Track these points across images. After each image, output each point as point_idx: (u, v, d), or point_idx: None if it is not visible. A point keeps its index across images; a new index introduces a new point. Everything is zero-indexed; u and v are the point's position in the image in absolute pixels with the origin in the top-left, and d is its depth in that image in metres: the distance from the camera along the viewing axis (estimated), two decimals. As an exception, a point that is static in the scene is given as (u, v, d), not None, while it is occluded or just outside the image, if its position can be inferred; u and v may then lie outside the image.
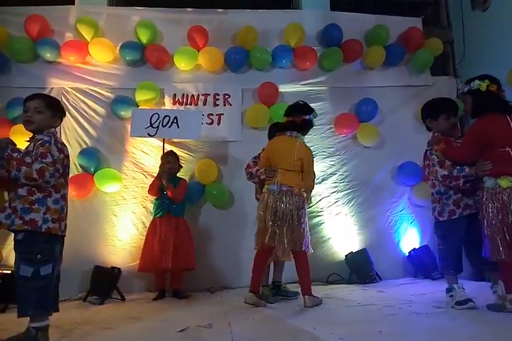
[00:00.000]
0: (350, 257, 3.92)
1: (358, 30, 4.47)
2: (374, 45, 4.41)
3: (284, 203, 2.77)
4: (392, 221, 4.16)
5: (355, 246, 4.02)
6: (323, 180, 4.16)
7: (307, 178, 2.95)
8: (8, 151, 2.08)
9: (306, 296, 2.79)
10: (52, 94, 3.96)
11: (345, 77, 4.43)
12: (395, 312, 2.50)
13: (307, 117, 3.01)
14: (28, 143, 2.23)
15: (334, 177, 4.19)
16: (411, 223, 4.18)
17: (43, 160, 2.09)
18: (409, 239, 4.13)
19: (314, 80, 4.39)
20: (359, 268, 3.86)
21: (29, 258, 2.06)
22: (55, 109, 2.31)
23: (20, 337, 2.07)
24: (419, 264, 3.97)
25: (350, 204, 4.15)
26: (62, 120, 2.39)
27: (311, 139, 4.20)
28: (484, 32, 4.38)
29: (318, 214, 4.09)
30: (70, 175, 3.74)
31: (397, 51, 4.43)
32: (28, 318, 2.08)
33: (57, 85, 4.06)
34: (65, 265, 3.53)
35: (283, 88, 4.29)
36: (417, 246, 4.07)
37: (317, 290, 3.38)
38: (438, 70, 4.68)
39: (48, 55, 4.03)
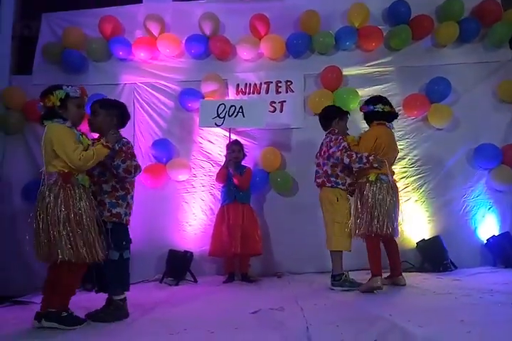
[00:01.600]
0: (423, 244, 3.76)
1: (427, 5, 4.21)
2: (446, 20, 4.12)
3: (390, 194, 2.92)
4: (468, 207, 3.90)
5: (427, 234, 3.84)
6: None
7: None
8: (120, 145, 2.41)
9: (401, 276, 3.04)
10: (125, 90, 4.31)
11: (414, 56, 4.20)
12: (475, 302, 2.38)
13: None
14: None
15: (403, 162, 4.01)
16: (489, 209, 3.88)
17: (134, 159, 2.48)
18: (488, 225, 3.85)
19: (380, 61, 4.22)
20: (432, 256, 3.69)
21: (116, 244, 2.39)
22: (108, 108, 2.51)
23: (112, 308, 2.37)
24: (499, 252, 3.69)
25: (421, 190, 3.95)
26: (122, 116, 2.57)
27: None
28: None
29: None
30: (145, 166, 4.08)
31: (471, 26, 4.11)
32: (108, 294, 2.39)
33: (129, 81, 4.33)
34: (143, 249, 3.88)
35: (347, 71, 4.19)
36: (496, 233, 3.79)
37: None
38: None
39: (121, 53, 4.30)
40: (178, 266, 3.65)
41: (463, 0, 4.09)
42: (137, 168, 2.48)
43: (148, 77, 4.33)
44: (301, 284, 3.32)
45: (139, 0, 4.60)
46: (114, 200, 2.43)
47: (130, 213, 2.52)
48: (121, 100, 4.17)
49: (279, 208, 3.99)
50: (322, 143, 3.23)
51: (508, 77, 4.01)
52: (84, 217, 2.20)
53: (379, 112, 3.06)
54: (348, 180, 3.13)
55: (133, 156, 2.48)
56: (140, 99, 4.30)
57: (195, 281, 3.62)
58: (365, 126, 3.93)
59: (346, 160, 2.99)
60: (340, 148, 3.03)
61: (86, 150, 2.25)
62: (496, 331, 1.83)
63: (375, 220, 2.87)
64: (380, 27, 4.18)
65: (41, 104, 2.28)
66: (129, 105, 4.17)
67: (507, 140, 3.94)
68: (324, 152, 3.16)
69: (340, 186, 3.10)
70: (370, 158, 2.93)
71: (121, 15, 4.38)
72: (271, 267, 3.85)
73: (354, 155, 2.96)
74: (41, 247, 2.15)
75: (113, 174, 2.42)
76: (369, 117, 3.14)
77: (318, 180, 3.18)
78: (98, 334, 2.12)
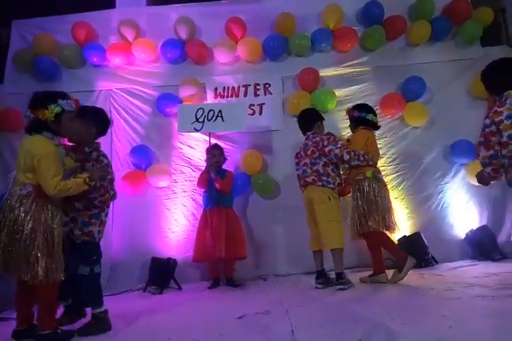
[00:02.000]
0: (404, 241, 3.80)
1: (400, 5, 4.28)
2: (418, 19, 4.19)
3: (387, 190, 3.24)
4: (446, 202, 3.98)
5: (408, 230, 3.90)
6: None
7: None
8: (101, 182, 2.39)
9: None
10: (101, 97, 4.24)
11: (389, 56, 4.26)
12: (456, 296, 2.42)
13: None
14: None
15: (382, 161, 4.03)
16: (467, 203, 3.97)
17: (112, 188, 2.53)
18: (466, 220, 3.93)
19: (356, 61, 4.26)
20: (413, 252, 3.67)
21: (87, 260, 2.39)
22: (85, 115, 2.47)
23: (94, 321, 2.35)
24: (478, 245, 3.78)
25: (400, 188, 4.01)
26: (103, 124, 2.55)
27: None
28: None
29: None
30: (124, 173, 4.02)
31: (443, 25, 4.19)
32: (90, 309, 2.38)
33: (104, 87, 4.27)
34: (125, 258, 3.83)
35: (324, 72, 4.22)
36: (474, 227, 3.87)
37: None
38: (490, 40, 4.35)
39: (95, 59, 4.24)
40: (161, 273, 3.60)
41: (433, -1, 4.18)
42: (114, 196, 2.52)
43: (124, 82, 4.28)
44: (286, 286, 3.33)
45: (112, 5, 4.54)
46: (86, 219, 2.38)
47: (103, 230, 2.49)
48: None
49: (262, 211, 3.99)
50: (307, 144, 3.24)
51: (479, 74, 4.08)
52: (54, 234, 2.12)
53: (368, 121, 3.29)
54: (338, 180, 3.20)
55: (112, 184, 2.48)
56: (116, 106, 4.24)
57: (180, 288, 3.58)
58: (343, 126, 4.00)
59: (346, 157, 3.10)
60: (338, 145, 3.13)
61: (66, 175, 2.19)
62: (477, 325, 1.87)
63: (379, 216, 3.07)
64: (354, 28, 4.23)
65: (30, 114, 2.16)
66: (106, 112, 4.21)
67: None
68: (313, 151, 3.17)
69: (331, 185, 3.14)
70: (366, 156, 3.12)
71: (94, 20, 4.31)
72: (256, 270, 3.85)
73: (352, 153, 3.10)
74: (6, 259, 2.06)
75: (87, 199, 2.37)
76: (357, 123, 3.33)
77: (307, 179, 3.17)
78: None
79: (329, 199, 3.10)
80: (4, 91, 4.14)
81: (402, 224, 3.93)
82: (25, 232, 2.05)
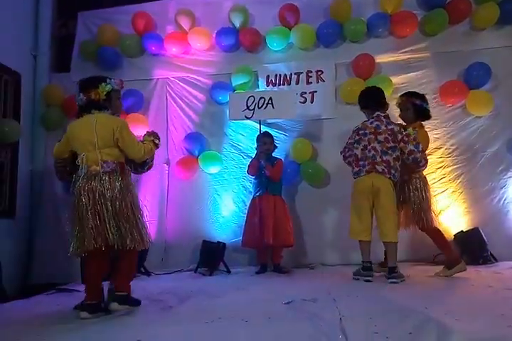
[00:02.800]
0: (461, 236, 3.63)
1: (465, -13, 4.00)
2: (485, 2, 3.90)
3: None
4: (509, 197, 3.73)
5: (466, 225, 3.71)
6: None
7: None
8: None
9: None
10: (158, 85, 4.41)
11: (451, 41, 4.01)
12: None
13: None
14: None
15: (440, 152, 3.88)
16: (532, 199, 3.71)
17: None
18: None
19: (415, 47, 4.06)
20: (471, 248, 3.56)
21: None
22: None
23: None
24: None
25: (459, 181, 3.81)
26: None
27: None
28: None
29: (422, 191, 3.85)
30: (177, 158, 4.18)
31: (512, 6, 3.87)
32: None
33: (161, 76, 4.40)
34: (177, 240, 4.01)
35: (380, 59, 4.07)
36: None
37: (423, 271, 3.28)
38: None
39: (153, 48, 4.38)
40: (211, 256, 3.72)
41: (503, -21, 3.88)
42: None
43: (180, 71, 4.39)
44: (333, 276, 3.30)
45: (170, -6, 4.65)
46: None
47: None
48: (155, 95, 4.38)
49: (311, 199, 3.97)
50: (379, 126, 3.02)
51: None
52: (139, 204, 2.33)
53: (426, 111, 3.21)
54: (398, 177, 3.10)
55: None
56: (172, 94, 4.38)
57: (229, 272, 3.68)
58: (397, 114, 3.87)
59: (422, 163, 3.08)
60: (420, 149, 3.03)
61: None
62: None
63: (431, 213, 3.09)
64: (414, 12, 4.03)
65: (83, 97, 2.31)
66: (162, 99, 4.38)
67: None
68: (387, 140, 2.99)
69: (395, 180, 3.05)
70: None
71: (153, 11, 4.45)
72: (303, 258, 3.86)
73: (425, 160, 3.13)
74: (109, 234, 2.18)
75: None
76: (417, 113, 3.21)
77: (377, 167, 2.98)
78: (136, 321, 2.19)
79: (393, 192, 3.04)
80: (71, 79, 4.40)
81: (459, 219, 3.77)
82: (124, 205, 2.22)
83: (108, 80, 2.35)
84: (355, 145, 3.11)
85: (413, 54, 4.06)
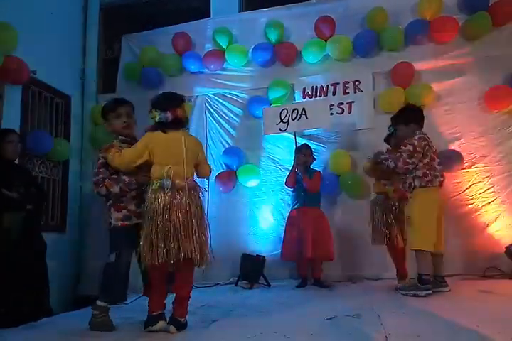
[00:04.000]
0: (513, 249, 3.43)
1: (509, -12, 3.85)
2: (530, 2, 3.74)
3: None
4: None
5: (518, 238, 3.50)
6: (473, 164, 3.73)
7: None
8: None
9: None
10: (198, 101, 4.54)
11: (495, 45, 3.85)
12: None
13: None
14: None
15: (487, 160, 3.70)
16: None
17: None
18: None
19: (457, 52, 3.94)
20: (522, 262, 3.36)
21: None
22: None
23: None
24: None
25: (508, 190, 3.60)
26: None
27: (455, 118, 3.86)
28: None
29: (469, 202, 3.67)
30: (217, 172, 4.25)
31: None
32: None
33: (201, 93, 4.54)
34: (217, 253, 4.03)
35: (420, 66, 3.98)
36: None
37: (472, 285, 3.12)
38: None
39: (192, 67, 4.54)
40: (251, 269, 3.73)
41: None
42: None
43: (218, 87, 4.51)
44: (377, 290, 3.20)
45: (207, 14, 4.82)
46: None
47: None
48: (195, 111, 4.50)
49: (351, 211, 3.91)
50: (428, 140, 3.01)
51: None
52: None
53: None
54: None
55: None
56: (211, 109, 4.50)
57: (269, 285, 3.67)
58: (442, 121, 3.76)
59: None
60: None
61: None
62: None
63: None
64: (455, 16, 3.92)
65: (170, 115, 2.33)
66: (201, 116, 4.51)
67: None
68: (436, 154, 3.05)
69: None
70: None
71: (191, 30, 4.63)
72: (345, 272, 3.78)
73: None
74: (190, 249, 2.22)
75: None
76: None
77: (442, 180, 3.00)
78: (181, 336, 2.20)
79: None
80: (117, 99, 4.65)
81: (511, 231, 3.56)
82: (202, 221, 2.30)
83: (185, 98, 2.47)
84: (424, 153, 2.97)
85: (455, 60, 3.94)
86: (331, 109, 4.02)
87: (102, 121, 2.66)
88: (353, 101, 4.09)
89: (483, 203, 3.64)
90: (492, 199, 3.63)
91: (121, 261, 2.33)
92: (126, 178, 2.36)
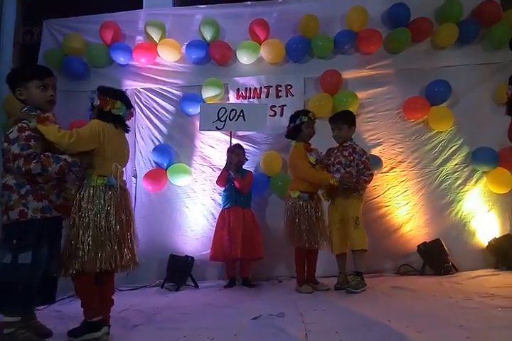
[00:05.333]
0: (423, 248, 3.76)
1: (426, 8, 4.20)
2: (445, 22, 4.11)
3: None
4: (467, 209, 3.91)
5: (428, 237, 3.84)
6: (391, 168, 4.02)
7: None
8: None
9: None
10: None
11: (414, 59, 4.19)
12: (475, 306, 2.39)
13: (291, 125, 3.35)
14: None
15: (403, 165, 4.02)
16: (488, 211, 3.88)
17: None
18: (488, 228, 3.85)
19: (380, 64, 4.21)
20: (433, 259, 3.69)
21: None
22: None
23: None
24: (501, 254, 3.69)
25: (421, 193, 3.96)
26: None
27: (377, 126, 4.11)
28: None
29: (387, 204, 3.96)
30: (146, 171, 4.11)
31: (471, 28, 4.09)
32: None
33: (130, 87, 4.35)
34: (144, 254, 3.87)
35: (347, 74, 4.18)
36: (497, 236, 3.79)
37: (388, 282, 3.36)
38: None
39: (122, 59, 4.33)
40: (179, 270, 3.67)
41: (462, 1, 4.09)
42: None
43: (149, 82, 4.36)
44: (302, 288, 3.33)
45: (139, 6, 4.62)
46: None
47: None
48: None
49: (281, 212, 3.97)
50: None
51: (507, 79, 3.99)
52: None
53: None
54: None
55: None
56: (141, 105, 4.33)
57: (196, 286, 3.64)
58: (365, 128, 4.01)
59: None
60: None
61: None
62: (495, 336, 1.85)
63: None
64: (379, 30, 4.18)
65: (97, 103, 2.22)
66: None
67: (504, 143, 3.90)
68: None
69: None
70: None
71: (121, 21, 4.41)
72: (272, 272, 3.87)
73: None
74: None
75: None
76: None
77: None
78: None
79: None
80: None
81: (422, 231, 3.90)
82: (132, 222, 2.27)
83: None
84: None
85: (378, 70, 4.21)
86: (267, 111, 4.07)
87: (10, 87, 2.18)
88: (285, 105, 4.19)
89: (399, 205, 3.95)
90: (406, 202, 3.96)
91: (38, 261, 2.00)
92: (67, 157, 2.04)
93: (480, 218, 3.88)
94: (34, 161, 1.95)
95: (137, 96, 4.35)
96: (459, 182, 3.96)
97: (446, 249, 3.70)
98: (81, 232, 2.04)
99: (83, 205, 2.06)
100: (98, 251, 2.03)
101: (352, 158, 3.26)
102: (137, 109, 4.31)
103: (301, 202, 3.18)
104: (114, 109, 2.19)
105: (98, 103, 2.18)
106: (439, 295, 2.76)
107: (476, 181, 3.94)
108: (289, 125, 3.39)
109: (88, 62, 4.38)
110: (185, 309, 2.77)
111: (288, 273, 3.82)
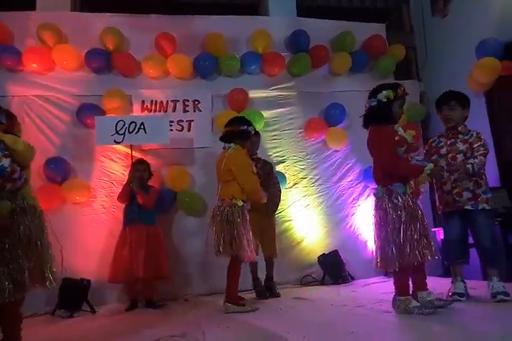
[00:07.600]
0: (323, 259, 3.99)
1: (324, 36, 4.56)
2: (340, 51, 4.51)
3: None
4: (359, 223, 4.27)
5: (327, 248, 4.08)
6: (294, 184, 4.23)
7: (243, 184, 2.94)
8: None
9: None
10: (14, 103, 3.89)
11: (314, 82, 4.50)
12: (365, 312, 2.55)
13: (244, 128, 3.10)
14: None
15: (305, 181, 4.26)
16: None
17: None
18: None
19: (283, 85, 4.44)
20: (332, 269, 3.94)
21: None
22: None
23: None
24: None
25: (320, 208, 4.23)
26: None
27: (281, 144, 4.29)
28: (444, 37, 4.58)
29: (290, 218, 4.15)
30: (36, 186, 3.68)
31: (361, 58, 4.56)
32: None
33: (19, 94, 3.92)
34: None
35: (253, 94, 4.32)
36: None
37: (291, 292, 3.47)
38: (402, 74, 4.83)
39: (9, 63, 3.90)
40: (73, 295, 3.32)
41: (355, 33, 4.51)
42: None
43: (41, 89, 3.97)
44: (207, 306, 3.25)
45: (32, 7, 4.23)
46: None
47: None
48: None
49: (188, 229, 3.92)
50: None
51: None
52: None
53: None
54: None
55: None
56: (31, 113, 3.92)
57: (93, 312, 3.33)
58: (269, 146, 4.15)
59: None
60: None
61: None
62: (381, 339, 1.98)
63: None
64: (282, 53, 4.41)
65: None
66: (19, 120, 3.85)
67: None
68: None
69: None
70: None
71: (10, 21, 3.97)
72: (180, 290, 3.73)
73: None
74: None
75: None
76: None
77: None
78: None
79: None
80: None
81: (322, 243, 4.14)
82: None
83: None
84: None
85: (282, 91, 4.44)
86: (171, 125, 3.98)
87: None
88: (192, 120, 4.16)
89: (302, 219, 4.15)
90: (309, 215, 4.19)
91: None
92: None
93: (370, 230, 4.24)
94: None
95: (27, 104, 3.93)
96: (353, 197, 4.32)
97: (342, 259, 3.98)
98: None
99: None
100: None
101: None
102: (26, 119, 3.88)
103: (245, 212, 2.92)
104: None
105: None
106: (335, 304, 2.91)
107: (367, 196, 4.33)
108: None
109: (-33, 64, 3.85)
110: (78, 338, 2.52)
111: (196, 290, 3.74)
